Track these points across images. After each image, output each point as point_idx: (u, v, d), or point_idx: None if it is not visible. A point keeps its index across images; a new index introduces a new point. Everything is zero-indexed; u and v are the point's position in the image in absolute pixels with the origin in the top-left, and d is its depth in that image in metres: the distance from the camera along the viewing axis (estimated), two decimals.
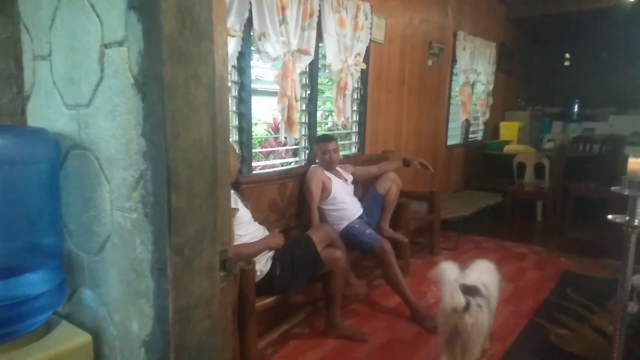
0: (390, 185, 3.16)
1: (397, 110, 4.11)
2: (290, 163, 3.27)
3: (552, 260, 3.82)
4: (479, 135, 5.96)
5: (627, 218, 1.68)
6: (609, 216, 1.74)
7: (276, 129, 4.82)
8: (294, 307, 2.67)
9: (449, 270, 1.91)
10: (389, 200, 3.18)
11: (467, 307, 1.86)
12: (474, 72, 5.28)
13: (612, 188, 1.74)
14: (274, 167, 3.22)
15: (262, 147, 4.48)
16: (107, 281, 1.03)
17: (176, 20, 0.81)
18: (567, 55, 7.32)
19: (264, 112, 4.50)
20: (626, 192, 1.68)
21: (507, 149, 5.58)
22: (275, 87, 2.85)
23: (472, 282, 2.01)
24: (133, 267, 0.95)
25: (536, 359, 2.35)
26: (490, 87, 5.72)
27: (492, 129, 6.17)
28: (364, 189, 3.42)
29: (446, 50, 4.74)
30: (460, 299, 1.85)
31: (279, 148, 3.77)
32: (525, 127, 6.31)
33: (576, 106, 6.87)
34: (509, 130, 6.09)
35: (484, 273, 2.18)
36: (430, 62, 4.49)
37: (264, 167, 3.16)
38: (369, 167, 3.35)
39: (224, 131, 0.93)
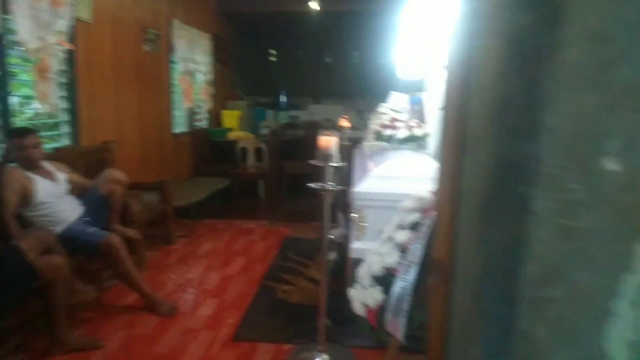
0: (114, 187, 2.89)
1: (115, 98, 3.84)
2: None
3: (275, 231, 4.37)
4: (204, 123, 6.17)
5: (321, 184, 2.10)
6: (309, 184, 2.14)
7: None
8: (3, 333, 2.22)
9: None
10: (114, 202, 2.90)
11: None
12: (193, 61, 5.41)
13: (310, 161, 2.14)
14: None
15: None
16: None
17: None
18: (273, 52, 8.33)
19: None
20: (319, 163, 2.09)
21: (231, 135, 5.98)
22: None
23: None
24: None
25: (267, 316, 2.69)
26: (210, 77, 5.98)
27: (215, 117, 6.47)
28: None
29: (163, 37, 4.68)
30: None
31: None
32: (245, 115, 6.89)
33: (283, 97, 7.91)
34: (230, 118, 6.52)
35: None
36: (147, 48, 4.35)
37: None
38: (85, 181, 2.97)
39: None
